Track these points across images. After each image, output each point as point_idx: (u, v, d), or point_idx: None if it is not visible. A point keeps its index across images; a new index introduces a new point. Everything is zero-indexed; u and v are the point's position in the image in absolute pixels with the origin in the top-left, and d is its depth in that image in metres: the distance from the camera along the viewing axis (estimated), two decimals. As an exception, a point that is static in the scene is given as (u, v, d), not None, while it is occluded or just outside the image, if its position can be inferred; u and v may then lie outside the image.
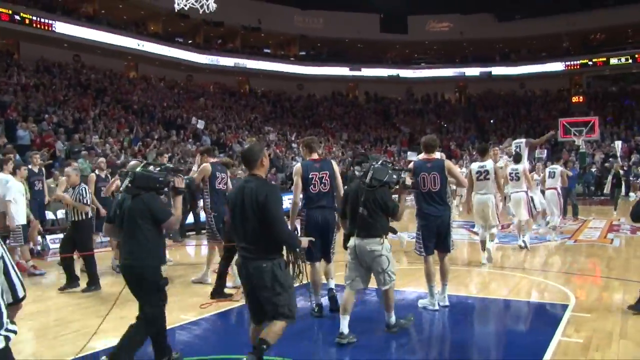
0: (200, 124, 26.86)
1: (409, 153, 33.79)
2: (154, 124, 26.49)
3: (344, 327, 5.52)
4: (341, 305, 5.70)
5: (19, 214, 9.36)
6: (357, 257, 5.62)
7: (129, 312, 5.50)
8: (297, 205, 6.53)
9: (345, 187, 6.48)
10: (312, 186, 6.48)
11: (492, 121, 42.05)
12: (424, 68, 45.38)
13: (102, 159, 11.41)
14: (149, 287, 4.80)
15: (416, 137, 39.73)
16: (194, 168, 9.05)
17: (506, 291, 7.81)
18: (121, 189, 4.91)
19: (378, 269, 5.58)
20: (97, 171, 10.55)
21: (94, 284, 8.20)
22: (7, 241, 9.63)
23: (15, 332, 2.59)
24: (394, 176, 5.61)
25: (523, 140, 14.51)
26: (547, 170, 13.52)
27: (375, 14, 41.88)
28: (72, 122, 21.85)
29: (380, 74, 45.10)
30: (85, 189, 8.43)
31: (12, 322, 2.63)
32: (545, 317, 6.61)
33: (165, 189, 4.94)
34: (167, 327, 5.10)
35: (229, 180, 8.70)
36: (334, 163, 6.77)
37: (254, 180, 4.47)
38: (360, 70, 44.70)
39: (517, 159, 11.47)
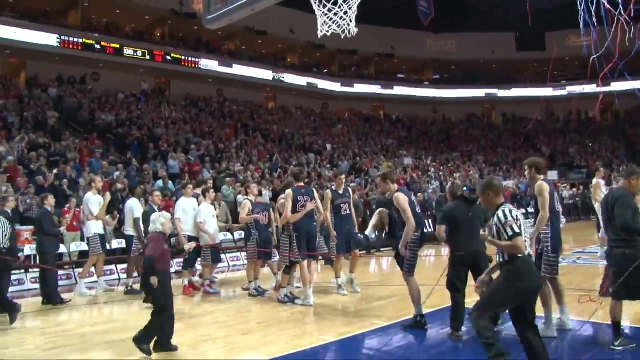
0: (328, 147, 28.08)
1: (549, 172, 32.28)
2: (291, 151, 27.39)
3: None
4: None
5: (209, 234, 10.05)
6: None
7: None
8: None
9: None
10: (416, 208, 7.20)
11: (644, 138, 39.03)
12: (564, 85, 43.27)
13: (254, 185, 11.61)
14: (486, 263, 6.39)
15: (558, 158, 37.95)
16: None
17: None
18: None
19: None
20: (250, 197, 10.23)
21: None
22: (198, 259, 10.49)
23: None
24: None
25: None
26: None
27: (511, 32, 40.70)
28: (216, 151, 23.10)
29: (517, 94, 43.55)
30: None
31: None
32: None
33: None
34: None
35: (312, 201, 8.87)
36: None
37: (617, 190, 6.24)
38: (497, 91, 43.55)
39: None
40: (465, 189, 7.55)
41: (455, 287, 6.57)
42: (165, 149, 21.05)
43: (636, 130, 40.45)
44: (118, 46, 28.59)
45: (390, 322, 7.37)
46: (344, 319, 7.65)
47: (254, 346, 6.51)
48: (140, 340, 5.94)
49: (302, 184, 9.06)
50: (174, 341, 6.15)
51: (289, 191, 8.79)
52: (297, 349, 6.20)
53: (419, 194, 19.54)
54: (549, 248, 6.42)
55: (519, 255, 4.73)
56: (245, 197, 10.47)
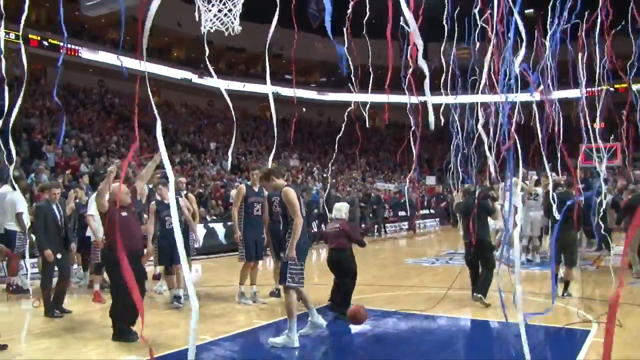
0: (212, 145, 27.62)
1: (427, 177, 33.75)
2: (175, 148, 26.77)
3: None
4: None
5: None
6: None
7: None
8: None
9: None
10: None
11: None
12: (445, 94, 45.26)
13: (182, 179, 10.95)
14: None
15: (435, 164, 39.73)
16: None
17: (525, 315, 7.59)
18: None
19: None
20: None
21: None
22: None
23: None
24: None
25: None
26: None
27: (396, 40, 42.05)
28: (96, 145, 22.15)
29: (399, 100, 45.01)
30: None
31: None
32: (566, 343, 6.52)
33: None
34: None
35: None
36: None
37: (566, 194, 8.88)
38: (381, 96, 44.86)
39: None
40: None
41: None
42: (39, 140, 19.89)
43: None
44: (-15, 26, 26.61)
45: (270, 320, 7.41)
46: (225, 319, 7.57)
47: (129, 347, 6.29)
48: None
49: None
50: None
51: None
52: (174, 349, 6.06)
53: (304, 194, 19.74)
54: (295, 256, 6.16)
55: None
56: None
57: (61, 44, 29.80)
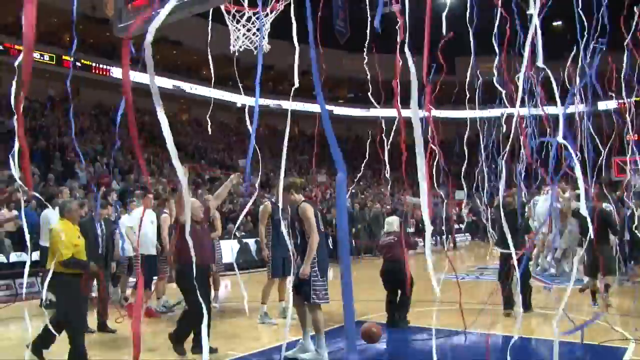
0: (242, 163, 27.73)
1: (456, 192, 33.42)
2: (205, 164, 27.06)
3: None
4: None
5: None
6: None
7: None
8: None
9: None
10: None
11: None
12: (471, 109, 44.96)
13: (209, 196, 10.74)
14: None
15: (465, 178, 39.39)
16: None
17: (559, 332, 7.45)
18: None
19: None
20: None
21: None
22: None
23: None
24: None
25: None
26: None
27: (422, 55, 41.97)
28: (126, 163, 22.49)
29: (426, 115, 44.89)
30: None
31: None
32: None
33: None
34: None
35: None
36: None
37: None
38: (407, 111, 44.77)
39: None
40: None
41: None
42: (71, 159, 20.28)
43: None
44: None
45: (298, 336, 7.39)
46: (253, 335, 7.60)
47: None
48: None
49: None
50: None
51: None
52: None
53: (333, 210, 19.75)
54: (317, 273, 6.20)
55: None
56: (165, 211, 9.83)
57: (93, 64, 30.49)
